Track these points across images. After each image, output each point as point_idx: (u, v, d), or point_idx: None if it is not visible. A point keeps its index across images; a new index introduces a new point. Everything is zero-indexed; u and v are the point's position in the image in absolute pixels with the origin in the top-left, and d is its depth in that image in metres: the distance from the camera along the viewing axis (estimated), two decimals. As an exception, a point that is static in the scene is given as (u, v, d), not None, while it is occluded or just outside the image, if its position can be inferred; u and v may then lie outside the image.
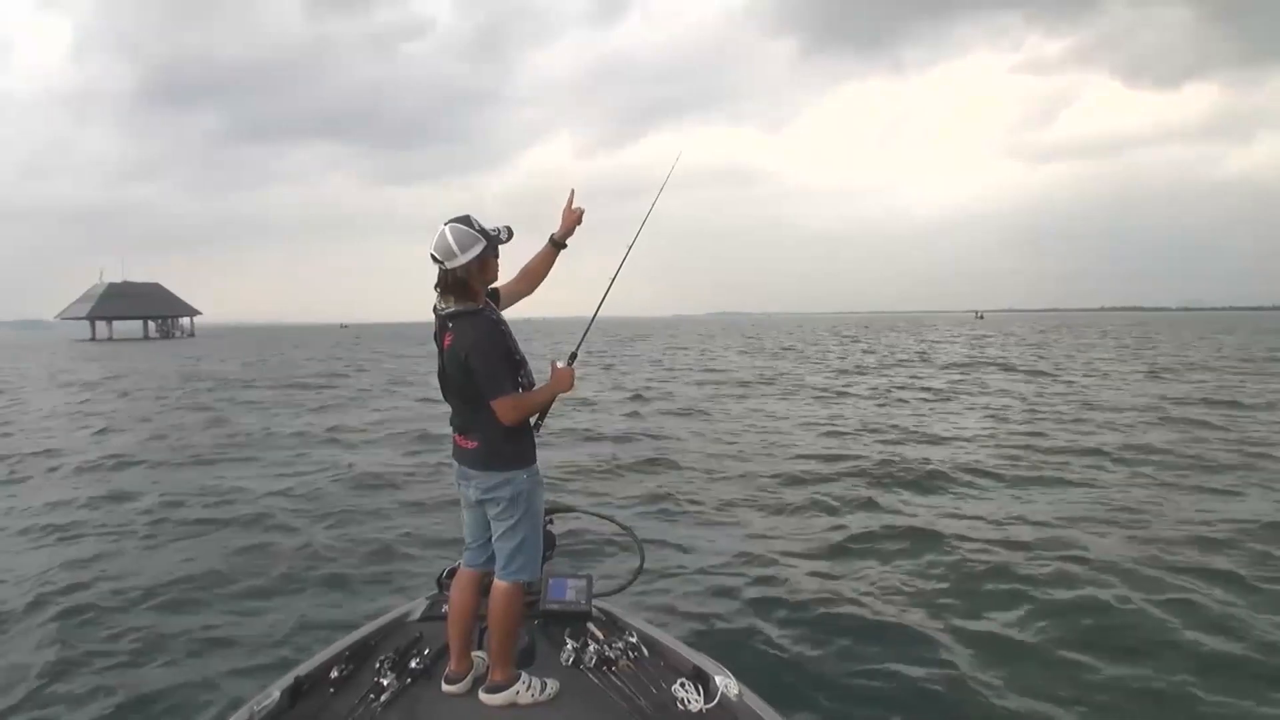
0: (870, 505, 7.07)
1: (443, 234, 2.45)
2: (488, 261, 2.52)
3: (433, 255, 2.46)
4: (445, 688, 2.61)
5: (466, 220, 2.49)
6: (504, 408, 2.47)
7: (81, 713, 3.58)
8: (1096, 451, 9.44)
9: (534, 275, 2.92)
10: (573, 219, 2.92)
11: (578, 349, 2.86)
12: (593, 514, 4.55)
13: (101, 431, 12.94)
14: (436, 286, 2.53)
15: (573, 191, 2.94)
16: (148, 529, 6.64)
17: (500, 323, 2.59)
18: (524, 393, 2.54)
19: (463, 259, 2.44)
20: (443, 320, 2.54)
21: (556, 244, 2.93)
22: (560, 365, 2.69)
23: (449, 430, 2.69)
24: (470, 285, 2.50)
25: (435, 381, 2.70)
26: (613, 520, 3.86)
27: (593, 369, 22.52)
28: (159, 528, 6.67)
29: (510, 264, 2.73)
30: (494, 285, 2.69)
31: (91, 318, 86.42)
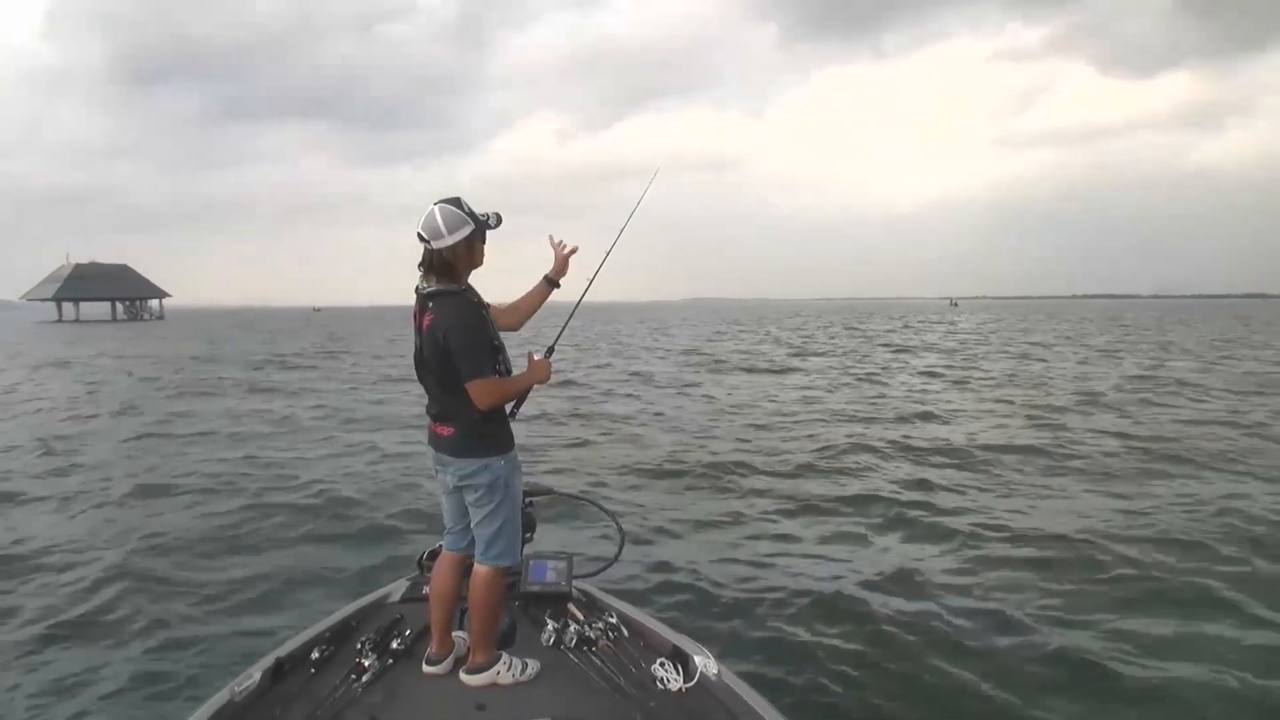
0: (851, 485, 7.15)
1: (431, 214, 2.43)
2: (475, 245, 2.51)
3: (420, 234, 2.44)
4: (426, 668, 2.62)
5: (457, 202, 2.48)
6: (481, 390, 2.44)
7: (57, 691, 3.56)
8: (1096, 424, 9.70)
9: (526, 310, 2.89)
10: (564, 259, 2.90)
11: (555, 342, 2.86)
12: (572, 496, 4.57)
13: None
14: (421, 265, 2.50)
15: (561, 242, 2.92)
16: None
17: (482, 306, 2.58)
18: (502, 378, 2.52)
19: (449, 240, 2.43)
20: (423, 299, 2.51)
21: (551, 282, 2.92)
22: (538, 357, 2.69)
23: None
24: (455, 267, 2.48)
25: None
26: (592, 502, 3.88)
27: (564, 348, 22.53)
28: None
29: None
30: (488, 303, 2.67)
31: (58, 299, 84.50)
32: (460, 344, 2.42)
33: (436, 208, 2.44)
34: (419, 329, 2.53)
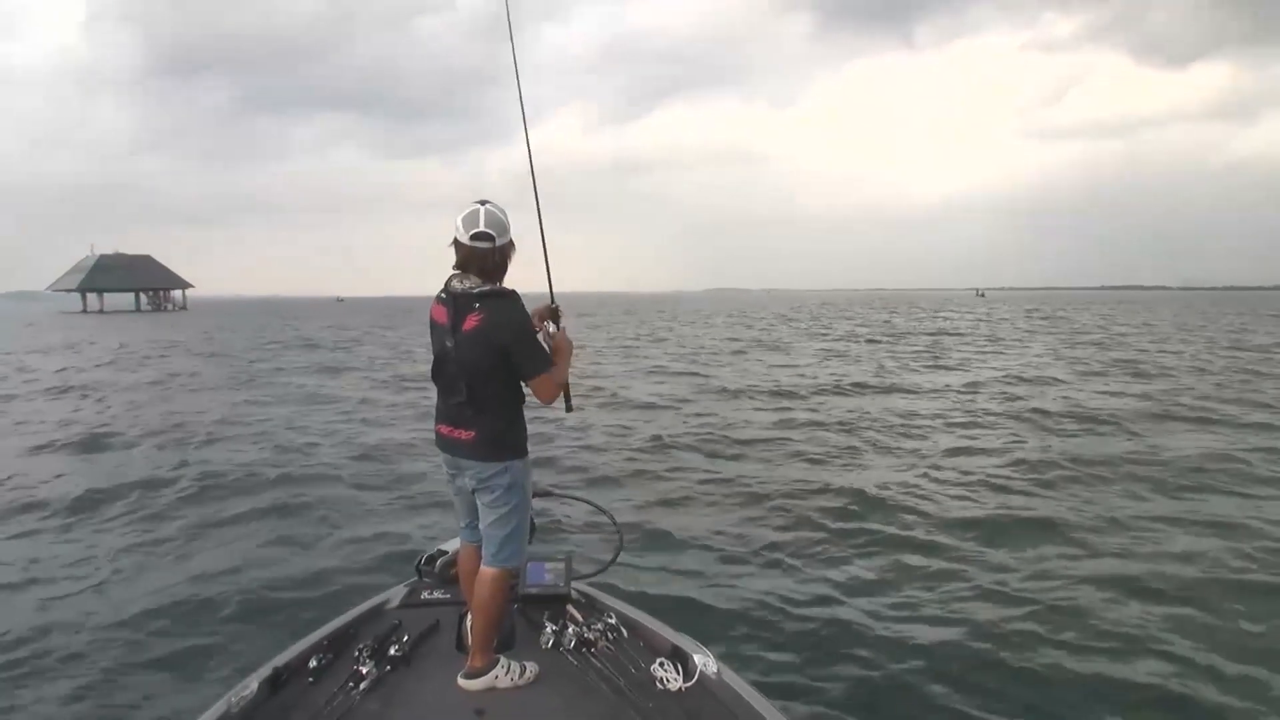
0: (850, 483, 7.02)
1: (491, 211, 2.46)
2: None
3: (484, 232, 2.42)
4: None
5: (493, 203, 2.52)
6: (545, 383, 2.51)
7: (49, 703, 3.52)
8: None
9: None
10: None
11: (554, 302, 2.75)
12: (571, 497, 4.54)
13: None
14: (458, 266, 2.48)
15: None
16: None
17: None
18: (553, 368, 2.56)
19: (509, 236, 2.50)
20: (467, 299, 2.45)
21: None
22: (554, 330, 2.70)
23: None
24: (506, 265, 2.52)
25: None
26: (590, 503, 3.84)
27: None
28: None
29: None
30: None
31: (82, 290, 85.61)
32: (524, 343, 2.48)
33: (492, 207, 2.47)
34: (453, 329, 2.48)
